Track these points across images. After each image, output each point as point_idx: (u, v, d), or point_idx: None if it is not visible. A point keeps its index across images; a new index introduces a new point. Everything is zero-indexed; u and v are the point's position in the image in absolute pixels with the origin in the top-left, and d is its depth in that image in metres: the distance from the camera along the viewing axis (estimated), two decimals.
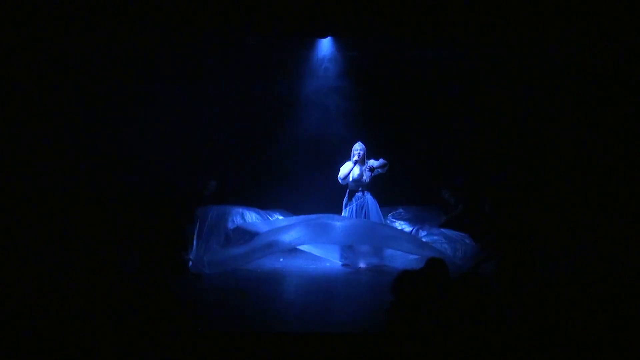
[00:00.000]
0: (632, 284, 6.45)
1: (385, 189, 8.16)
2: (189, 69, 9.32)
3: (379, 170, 7.73)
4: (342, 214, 7.76)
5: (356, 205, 7.68)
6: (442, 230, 8.13)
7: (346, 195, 7.82)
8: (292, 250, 7.77)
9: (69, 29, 8.28)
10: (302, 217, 7.79)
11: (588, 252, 7.34)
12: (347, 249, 7.59)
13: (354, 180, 7.72)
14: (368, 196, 7.73)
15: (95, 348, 4.54)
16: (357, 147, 7.78)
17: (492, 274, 6.86)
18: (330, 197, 8.69)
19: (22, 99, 8.64)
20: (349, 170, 7.71)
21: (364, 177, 7.70)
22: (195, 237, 7.69)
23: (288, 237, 7.16)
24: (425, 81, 9.47)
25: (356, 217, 7.63)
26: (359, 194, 7.73)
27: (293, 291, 6.50)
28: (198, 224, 7.83)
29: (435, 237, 7.86)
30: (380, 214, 7.86)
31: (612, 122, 8.63)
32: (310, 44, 9.38)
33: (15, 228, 7.87)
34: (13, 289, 6.20)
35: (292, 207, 8.92)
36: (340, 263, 7.69)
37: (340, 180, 7.76)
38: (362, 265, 7.51)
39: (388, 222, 8.42)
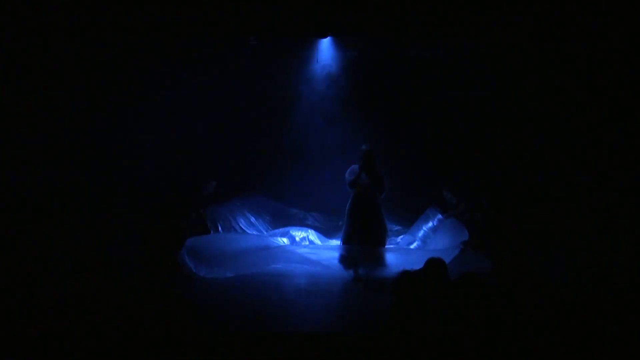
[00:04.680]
0: (632, 283, 6.46)
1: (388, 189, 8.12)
2: (190, 69, 9.32)
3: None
4: (345, 218, 7.67)
5: (359, 210, 7.54)
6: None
7: (350, 199, 7.65)
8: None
9: (69, 27, 8.28)
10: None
11: (588, 252, 7.35)
12: (347, 256, 7.52)
13: (359, 185, 7.56)
14: (372, 202, 7.58)
15: (95, 348, 4.54)
16: (364, 152, 7.56)
17: (491, 273, 6.87)
18: (330, 197, 8.71)
19: (23, 98, 8.64)
20: (355, 175, 7.52)
21: (366, 180, 7.54)
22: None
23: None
24: (425, 81, 9.47)
25: (358, 222, 7.51)
26: (362, 198, 7.56)
27: (293, 292, 6.50)
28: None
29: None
30: (384, 220, 7.73)
31: (611, 122, 8.63)
32: (310, 44, 9.38)
33: (14, 228, 7.86)
34: (12, 288, 6.20)
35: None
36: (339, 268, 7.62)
37: (347, 186, 7.60)
38: (361, 272, 7.44)
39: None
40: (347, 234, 7.53)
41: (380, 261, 7.44)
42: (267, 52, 9.30)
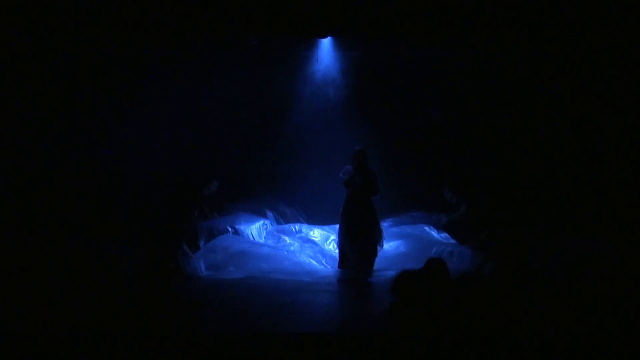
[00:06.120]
0: (630, 282, 6.47)
1: (387, 190, 8.11)
2: (190, 69, 9.33)
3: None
4: (340, 219, 7.67)
5: (354, 211, 7.54)
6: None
7: (344, 200, 7.66)
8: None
9: (67, 27, 8.28)
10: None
11: (586, 251, 7.35)
12: (346, 258, 7.54)
13: (353, 186, 7.57)
14: (366, 202, 7.57)
15: (95, 348, 4.55)
16: (358, 152, 7.59)
17: (491, 273, 6.88)
18: (330, 197, 8.71)
19: (23, 99, 8.66)
20: (349, 175, 7.54)
21: (360, 181, 7.55)
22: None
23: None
24: (425, 81, 9.47)
25: (352, 222, 7.51)
26: (356, 200, 7.56)
27: (293, 292, 6.49)
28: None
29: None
30: (379, 220, 7.73)
31: (608, 119, 8.67)
32: (310, 44, 9.38)
33: (15, 228, 7.87)
34: (14, 288, 6.21)
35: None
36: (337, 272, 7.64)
37: (343, 185, 7.63)
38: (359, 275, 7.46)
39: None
40: (341, 234, 7.55)
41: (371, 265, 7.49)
42: (267, 52, 9.30)
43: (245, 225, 8.48)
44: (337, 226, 7.77)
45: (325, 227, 8.80)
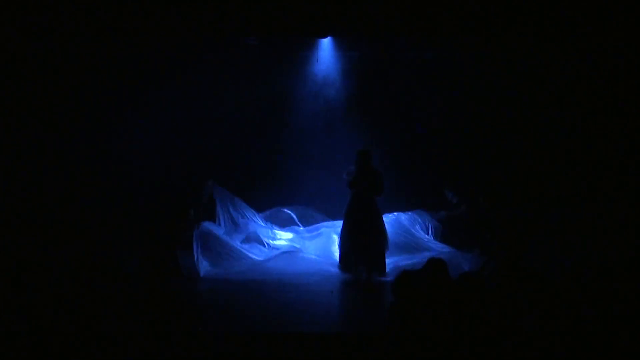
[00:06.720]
0: (630, 280, 6.47)
1: (388, 190, 8.11)
2: (189, 69, 9.32)
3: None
4: (343, 219, 7.68)
5: (357, 211, 7.55)
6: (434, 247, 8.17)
7: (348, 201, 7.67)
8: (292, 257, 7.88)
9: (67, 27, 8.28)
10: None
11: (586, 250, 7.36)
12: (347, 259, 7.55)
13: (357, 186, 7.59)
14: (370, 203, 7.58)
15: (96, 348, 4.55)
16: (361, 153, 7.62)
17: (491, 273, 6.88)
18: (330, 197, 8.71)
19: (23, 99, 8.66)
20: (353, 177, 7.56)
21: (363, 181, 7.57)
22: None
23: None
24: (425, 81, 9.47)
25: (357, 221, 7.52)
26: (360, 200, 7.57)
27: (293, 292, 6.50)
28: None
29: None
30: (383, 221, 7.74)
31: (608, 120, 8.67)
32: (310, 44, 9.37)
33: (15, 229, 7.87)
34: (14, 288, 6.22)
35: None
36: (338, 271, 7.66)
37: (346, 186, 7.64)
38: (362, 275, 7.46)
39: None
40: (344, 234, 7.56)
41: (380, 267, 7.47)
42: (266, 52, 9.29)
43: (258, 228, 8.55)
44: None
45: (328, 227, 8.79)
